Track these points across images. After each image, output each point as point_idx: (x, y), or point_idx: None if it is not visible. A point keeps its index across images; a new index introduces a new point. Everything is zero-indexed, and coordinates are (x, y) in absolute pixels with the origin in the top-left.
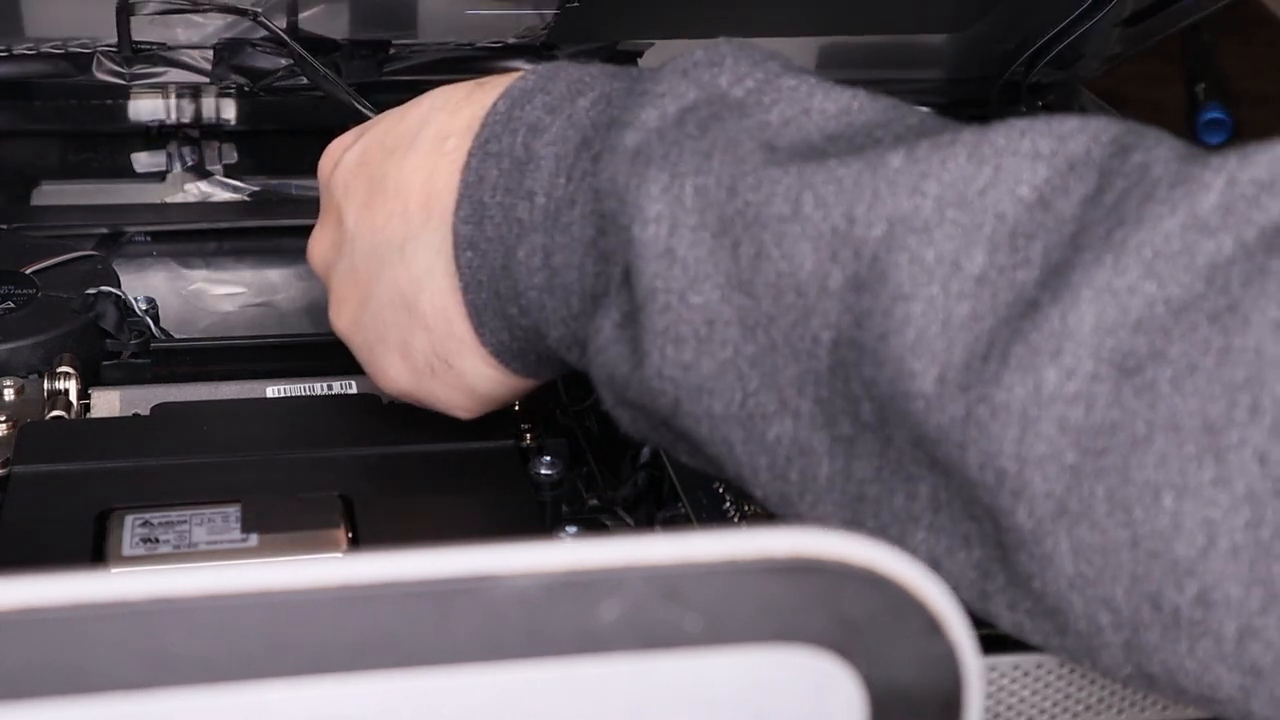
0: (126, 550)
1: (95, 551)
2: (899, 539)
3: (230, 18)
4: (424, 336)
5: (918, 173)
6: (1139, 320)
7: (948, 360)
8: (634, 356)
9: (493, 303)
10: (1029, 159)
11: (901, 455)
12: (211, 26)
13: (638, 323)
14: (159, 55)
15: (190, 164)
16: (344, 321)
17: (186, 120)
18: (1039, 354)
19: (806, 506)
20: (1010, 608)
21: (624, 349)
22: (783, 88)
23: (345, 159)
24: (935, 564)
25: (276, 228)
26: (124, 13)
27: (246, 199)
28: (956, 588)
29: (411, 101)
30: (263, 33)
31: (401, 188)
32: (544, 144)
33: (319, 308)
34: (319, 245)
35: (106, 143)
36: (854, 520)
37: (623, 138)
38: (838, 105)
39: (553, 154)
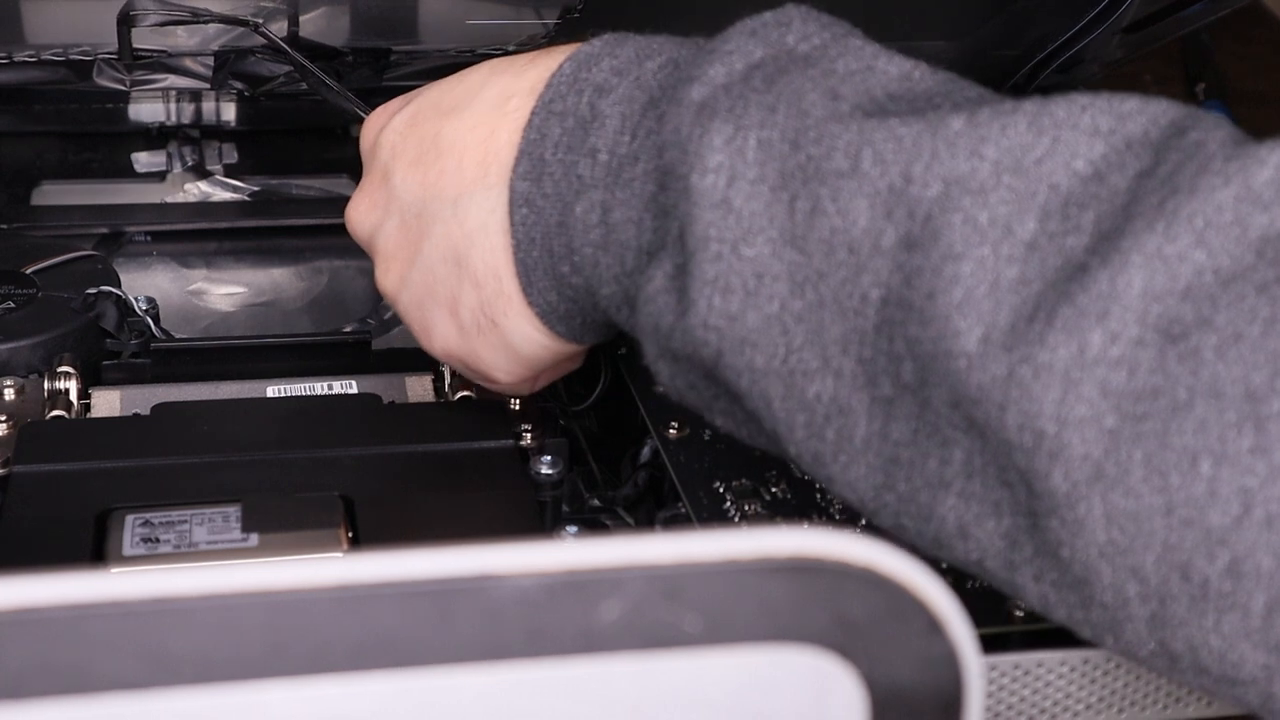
0: (126, 550)
1: (95, 551)
2: (928, 505)
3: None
4: (473, 293)
5: (977, 137)
6: (1187, 287)
7: (993, 321)
8: (680, 305)
9: (544, 261)
10: (1087, 134)
11: (939, 418)
12: (212, 30)
13: (687, 272)
14: (159, 62)
15: (190, 164)
16: (391, 280)
17: (187, 121)
18: (1085, 316)
19: (839, 468)
20: (1036, 579)
21: (671, 298)
22: (849, 46)
23: (393, 122)
24: (963, 532)
25: (276, 228)
26: (125, 24)
27: (246, 199)
28: (983, 558)
29: (466, 70)
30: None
31: (457, 144)
32: (609, 103)
33: (319, 307)
34: (360, 209)
35: (106, 143)
36: (885, 484)
37: (689, 91)
38: (900, 70)
39: (618, 113)
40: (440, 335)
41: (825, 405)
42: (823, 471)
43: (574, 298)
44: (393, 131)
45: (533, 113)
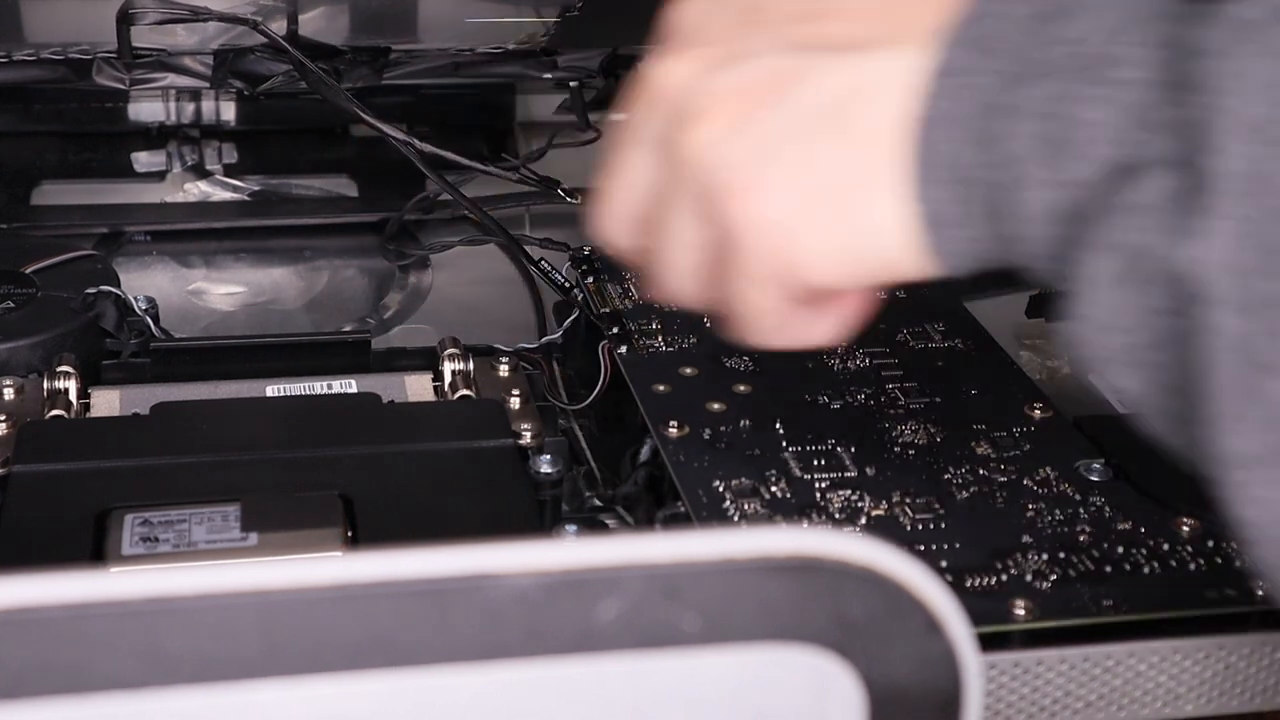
0: (126, 549)
1: (95, 551)
2: None
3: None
4: (839, 154)
5: None
6: None
7: None
8: (1177, 226)
9: (955, 145)
10: None
11: None
12: (212, 29)
13: (1202, 199)
14: (159, 61)
15: (190, 164)
16: (719, 127)
17: (186, 121)
18: None
19: (1258, 479)
20: None
21: (1165, 218)
22: None
23: None
24: None
25: (276, 227)
26: (124, 22)
27: (246, 199)
28: None
29: None
30: (262, 38)
31: (867, 4)
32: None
33: (319, 307)
34: (677, 68)
35: (106, 142)
36: None
37: (1240, 9)
38: None
39: (1115, 12)
40: (770, 195)
41: (1270, 408)
42: (1230, 474)
43: (975, 197)
44: None
45: None
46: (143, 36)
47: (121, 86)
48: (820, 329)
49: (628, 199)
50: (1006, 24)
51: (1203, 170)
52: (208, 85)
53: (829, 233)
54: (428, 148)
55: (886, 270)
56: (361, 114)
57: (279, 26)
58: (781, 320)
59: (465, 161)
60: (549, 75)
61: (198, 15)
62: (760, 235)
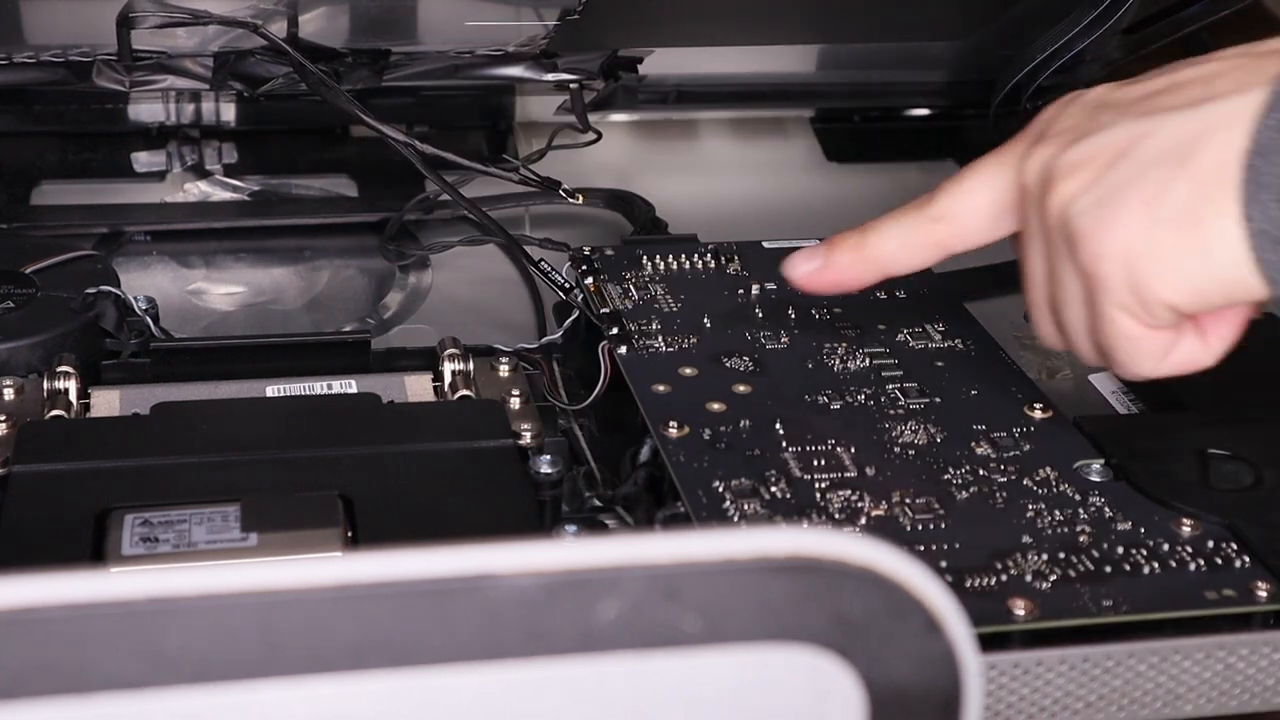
0: (126, 550)
1: (95, 551)
2: None
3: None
4: (1187, 186)
5: None
6: None
7: None
8: None
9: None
10: None
11: None
12: (211, 31)
13: None
14: (159, 64)
15: (190, 164)
16: (1075, 184)
17: (186, 121)
18: None
19: None
20: None
21: None
22: None
23: (1095, 90)
24: None
25: (276, 227)
26: (124, 25)
27: (246, 199)
28: None
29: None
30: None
31: (1202, 75)
32: None
33: (319, 307)
34: (1039, 154)
35: (106, 142)
36: None
37: None
38: None
39: None
40: (1123, 227)
41: None
42: None
43: None
44: (1100, 90)
45: None
46: (143, 39)
47: (121, 89)
48: (1195, 354)
49: (1039, 295)
50: None
51: None
52: (208, 87)
53: (1174, 256)
54: (429, 149)
55: (1229, 292)
56: (362, 116)
57: (279, 28)
58: (1155, 347)
59: (466, 163)
60: (549, 77)
61: (198, 19)
62: (1113, 264)
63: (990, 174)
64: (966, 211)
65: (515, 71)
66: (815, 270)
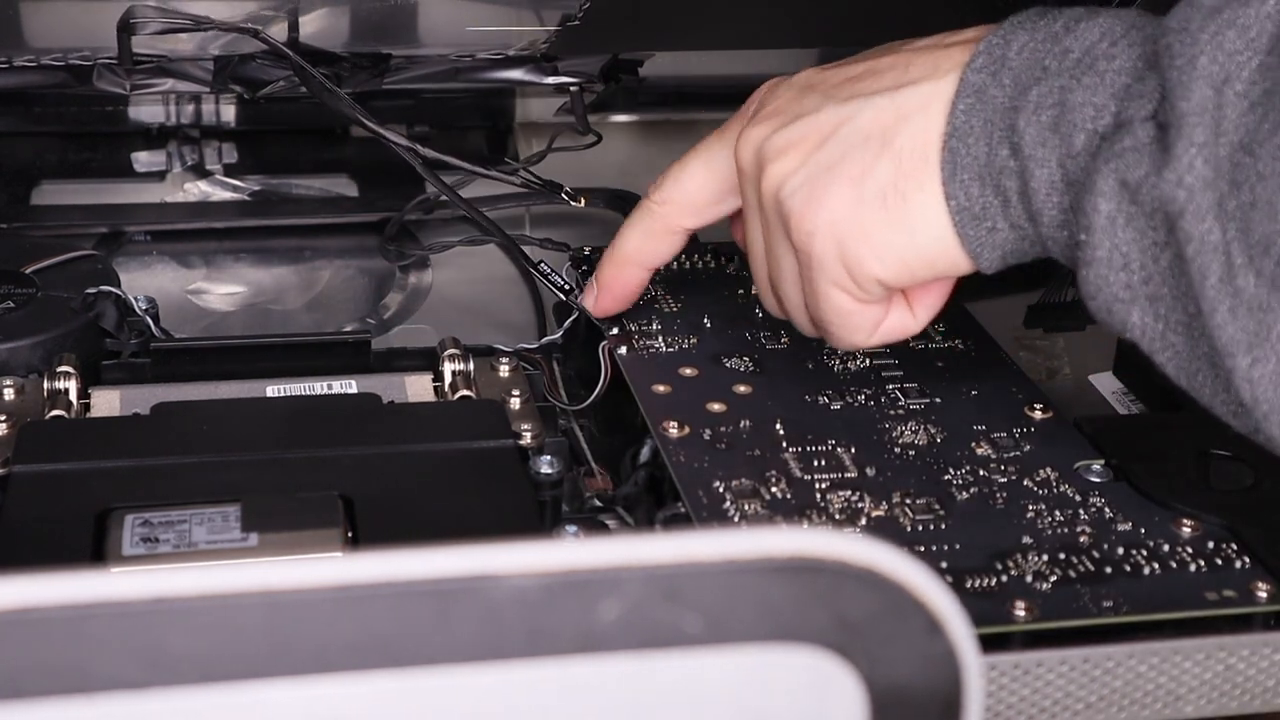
0: (126, 550)
1: (95, 551)
2: None
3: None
4: (890, 166)
5: None
6: None
7: None
8: (1159, 160)
9: (977, 150)
10: None
11: None
12: (211, 34)
13: (1172, 133)
14: (159, 67)
15: (190, 164)
16: (786, 164)
17: (186, 121)
18: None
19: (1249, 361)
20: None
21: (1145, 156)
22: None
23: (803, 72)
24: None
25: (276, 227)
26: (125, 31)
27: (246, 199)
28: None
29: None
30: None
31: (899, 63)
32: (1088, 24)
33: (319, 307)
34: (752, 134)
35: (106, 142)
36: None
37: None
38: None
39: (1098, 28)
40: (832, 204)
41: (1248, 299)
42: (1230, 361)
43: (998, 188)
44: (806, 74)
45: (997, 27)
46: (143, 42)
47: (121, 91)
48: (904, 323)
49: (760, 271)
50: (1011, 50)
51: (1174, 111)
52: (208, 90)
53: (881, 232)
54: (431, 154)
55: (933, 266)
56: (364, 121)
57: (279, 31)
58: (866, 321)
59: (468, 167)
60: (549, 80)
61: (199, 25)
62: (824, 241)
63: (706, 156)
64: (689, 193)
65: (516, 74)
66: (597, 295)
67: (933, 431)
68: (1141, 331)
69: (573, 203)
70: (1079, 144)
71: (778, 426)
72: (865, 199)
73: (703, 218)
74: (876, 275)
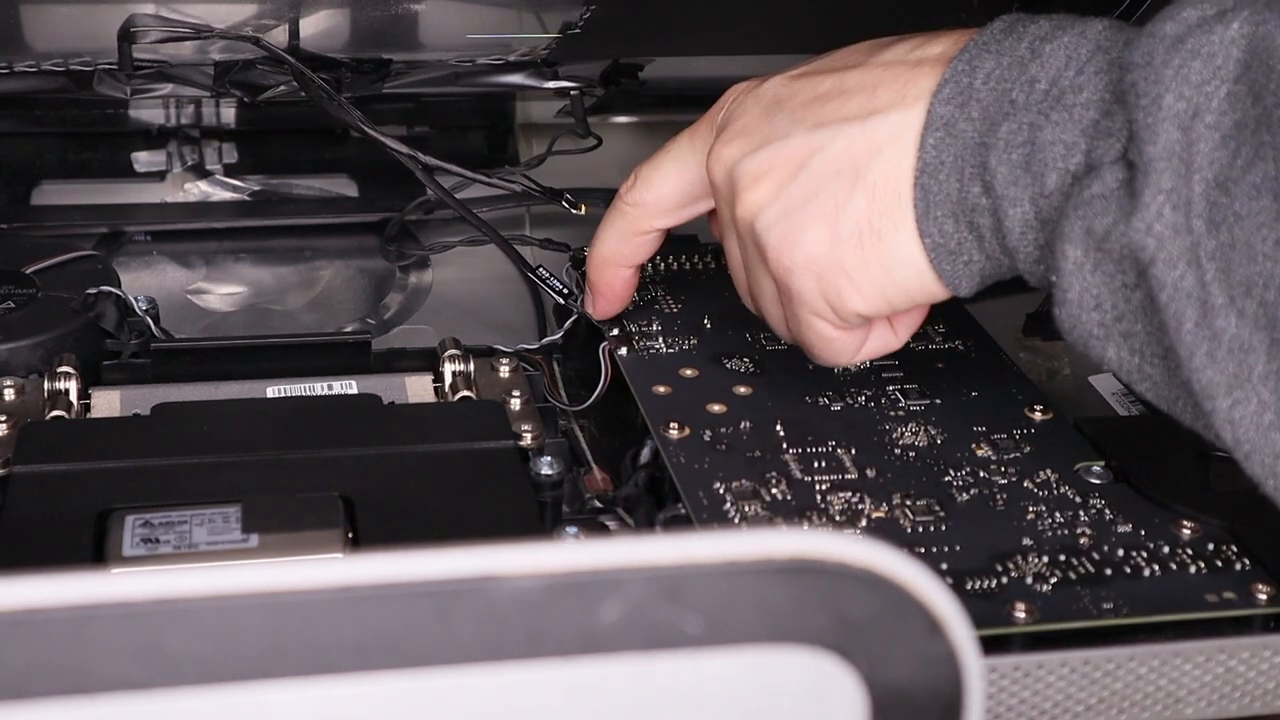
0: (127, 550)
1: (95, 551)
2: None
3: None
4: (864, 203)
5: None
6: None
7: None
8: (1127, 207)
9: (949, 186)
10: None
11: None
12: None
13: (1140, 178)
14: (160, 72)
15: (190, 164)
16: (757, 196)
17: (187, 121)
18: None
19: (1229, 403)
20: None
21: (1113, 203)
22: None
23: (769, 82)
24: None
25: (276, 227)
26: (125, 40)
27: (246, 199)
28: None
29: (834, 55)
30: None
31: (867, 82)
32: (1054, 47)
33: (319, 307)
34: (723, 154)
35: (106, 142)
36: (1275, 423)
37: (1162, 27)
38: None
39: (1063, 53)
40: (809, 242)
41: (1228, 340)
42: (1209, 404)
43: (972, 225)
44: (773, 85)
45: (964, 50)
46: (143, 48)
47: (122, 96)
48: (886, 342)
49: (739, 277)
50: (977, 79)
51: (1142, 155)
52: (208, 94)
53: (859, 270)
54: (432, 161)
55: (912, 298)
56: (364, 127)
57: (280, 37)
58: (848, 346)
59: (469, 174)
60: (550, 85)
61: (199, 33)
62: (803, 278)
63: (679, 159)
64: (662, 196)
65: (516, 79)
66: (593, 300)
67: (933, 433)
68: (1118, 365)
69: (573, 210)
70: (1051, 183)
71: (778, 428)
72: (842, 237)
73: (676, 218)
74: (856, 309)
